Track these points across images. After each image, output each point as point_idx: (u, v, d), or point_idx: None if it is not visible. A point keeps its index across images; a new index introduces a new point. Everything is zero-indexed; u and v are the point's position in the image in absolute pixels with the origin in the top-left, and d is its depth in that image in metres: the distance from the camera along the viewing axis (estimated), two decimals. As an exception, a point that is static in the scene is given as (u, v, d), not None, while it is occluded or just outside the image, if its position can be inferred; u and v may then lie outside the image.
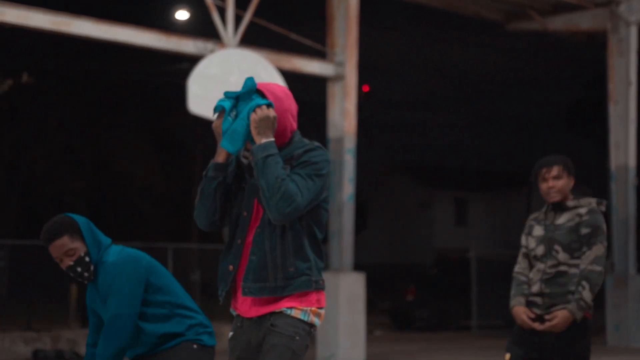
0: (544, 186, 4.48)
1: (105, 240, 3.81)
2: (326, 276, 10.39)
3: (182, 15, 19.91)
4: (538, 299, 4.44)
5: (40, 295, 14.54)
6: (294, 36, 11.15)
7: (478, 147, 50.58)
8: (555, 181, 4.44)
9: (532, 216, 4.64)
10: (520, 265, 4.58)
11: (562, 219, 4.48)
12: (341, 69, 11.22)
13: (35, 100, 21.21)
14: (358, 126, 11.32)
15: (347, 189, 11.18)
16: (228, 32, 10.32)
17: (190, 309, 3.80)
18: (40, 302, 13.78)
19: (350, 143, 11.19)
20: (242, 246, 3.10)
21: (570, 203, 4.48)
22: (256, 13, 10.68)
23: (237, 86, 9.75)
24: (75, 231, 3.74)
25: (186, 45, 10.20)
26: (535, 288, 4.46)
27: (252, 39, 10.69)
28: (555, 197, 4.45)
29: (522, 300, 4.48)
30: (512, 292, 4.55)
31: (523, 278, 4.53)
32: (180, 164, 27.26)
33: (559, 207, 4.50)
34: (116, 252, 3.77)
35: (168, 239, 25.18)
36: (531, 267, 4.54)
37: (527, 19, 14.77)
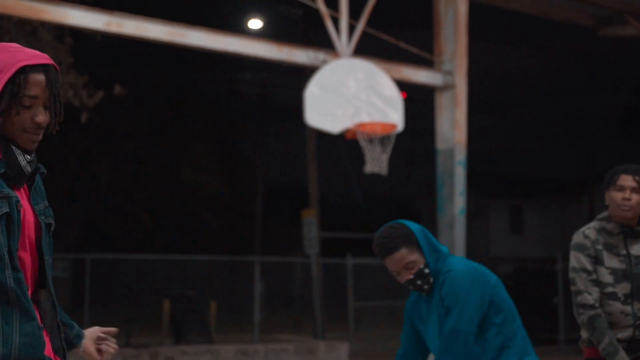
0: (617, 196, 3.72)
1: (443, 249, 3.45)
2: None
3: (255, 24, 19.71)
4: (624, 345, 3.72)
5: (129, 310, 14.35)
6: (402, 45, 10.83)
7: (532, 154, 49.92)
8: (632, 194, 3.70)
9: (590, 236, 3.77)
10: (594, 296, 3.71)
11: (638, 249, 3.75)
12: (450, 77, 10.88)
13: (109, 111, 21.10)
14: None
15: (458, 202, 10.82)
16: (342, 41, 10.02)
17: (527, 346, 3.35)
18: (131, 318, 13.56)
19: (461, 154, 10.83)
20: None
21: None
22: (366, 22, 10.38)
23: (354, 97, 9.38)
24: (412, 242, 3.38)
25: (298, 56, 9.93)
26: (624, 334, 3.72)
27: (360, 49, 10.39)
28: (627, 213, 3.70)
29: (622, 351, 3.66)
30: (598, 333, 3.67)
31: (604, 315, 3.70)
32: (243, 175, 27.09)
33: (632, 233, 3.74)
34: (461, 262, 3.39)
35: (230, 251, 25.02)
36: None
37: (622, 24, 14.33)
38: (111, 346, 2.70)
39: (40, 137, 2.39)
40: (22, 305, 2.29)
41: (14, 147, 2.34)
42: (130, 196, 24.91)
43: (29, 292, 2.36)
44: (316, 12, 10.42)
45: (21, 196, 2.36)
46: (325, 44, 10.33)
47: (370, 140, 9.50)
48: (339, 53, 9.98)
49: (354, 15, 10.25)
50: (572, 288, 3.79)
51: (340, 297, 17.36)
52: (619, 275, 3.72)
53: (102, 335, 2.71)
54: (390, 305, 17.04)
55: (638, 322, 3.71)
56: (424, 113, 11.71)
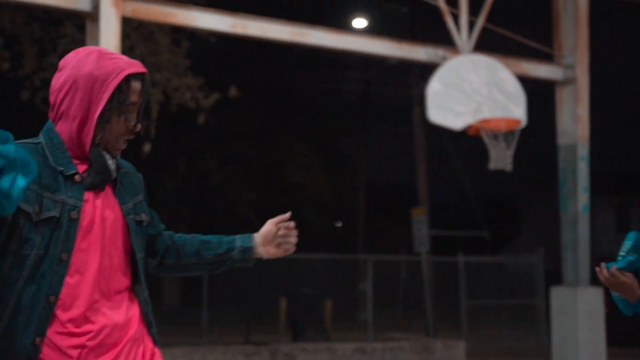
0: None
1: None
2: (562, 291, 9.81)
3: (360, 23, 19.76)
4: None
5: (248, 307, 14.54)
6: (522, 39, 10.67)
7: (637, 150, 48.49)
8: None
9: None
10: None
11: None
12: (570, 72, 10.66)
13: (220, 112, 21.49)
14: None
15: (582, 198, 10.60)
16: (462, 37, 9.94)
17: None
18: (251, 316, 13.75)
19: (583, 150, 10.60)
20: None
21: None
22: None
23: (476, 93, 9.26)
24: None
25: (417, 52, 9.90)
26: None
27: (480, 44, 10.28)
28: None
29: None
30: None
31: None
32: (346, 174, 27.18)
33: None
34: None
35: (334, 250, 25.12)
36: None
37: None
38: (290, 235, 2.64)
39: (126, 145, 2.48)
40: (16, 313, 2.27)
41: (103, 152, 2.41)
42: (238, 196, 25.28)
43: (123, 287, 2.42)
44: (422, 9, 10.37)
45: (99, 198, 2.40)
46: (435, 40, 10.25)
47: (495, 137, 9.39)
48: (459, 49, 9.90)
49: (473, 11, 10.16)
50: None
51: (449, 295, 17.24)
52: None
53: (278, 227, 2.63)
54: (503, 304, 16.81)
55: None
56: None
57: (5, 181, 2.11)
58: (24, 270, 2.28)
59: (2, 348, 2.27)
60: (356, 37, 9.70)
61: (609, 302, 3.56)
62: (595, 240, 37.74)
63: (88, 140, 2.37)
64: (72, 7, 8.18)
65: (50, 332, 2.30)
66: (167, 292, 25.31)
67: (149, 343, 2.50)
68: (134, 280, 2.50)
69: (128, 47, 13.14)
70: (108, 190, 2.45)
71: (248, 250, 2.64)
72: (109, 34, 8.07)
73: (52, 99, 2.41)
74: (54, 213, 2.31)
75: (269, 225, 2.66)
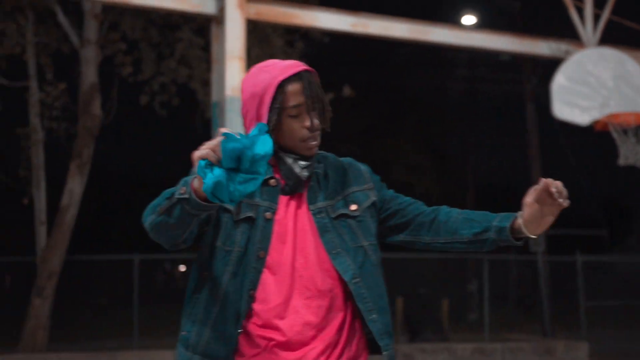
0: None
1: None
2: None
3: (469, 20, 19.50)
4: None
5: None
6: (648, 31, 10.33)
7: None
8: None
9: None
10: None
11: None
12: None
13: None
14: None
15: None
16: (587, 31, 9.69)
17: None
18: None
19: None
20: None
21: None
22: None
23: (602, 87, 8.97)
24: None
25: (539, 47, 9.71)
26: None
27: (605, 37, 9.99)
28: None
29: None
30: None
31: None
32: (454, 173, 26.90)
33: None
34: None
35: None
36: None
37: None
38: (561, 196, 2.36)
39: (318, 139, 2.48)
40: (225, 305, 2.40)
41: (287, 158, 2.46)
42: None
43: (327, 287, 2.41)
44: (534, 4, 10.12)
45: (293, 200, 2.47)
46: (552, 34, 10.01)
47: (624, 132, 9.11)
48: (584, 43, 9.66)
49: (598, 3, 9.89)
50: None
51: (566, 295, 16.82)
52: None
53: (547, 188, 2.37)
54: (625, 305, 16.31)
55: None
56: None
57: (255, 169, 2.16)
58: (229, 265, 2.42)
59: (213, 337, 2.42)
60: (476, 33, 9.58)
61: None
62: None
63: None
64: (198, 11, 8.35)
65: (247, 323, 2.41)
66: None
67: (360, 353, 2.48)
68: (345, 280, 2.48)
69: (245, 50, 13.33)
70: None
71: (503, 230, 2.48)
72: (234, 37, 8.20)
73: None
74: (250, 214, 2.44)
75: (533, 195, 2.43)
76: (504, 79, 21.34)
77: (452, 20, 19.81)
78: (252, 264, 2.41)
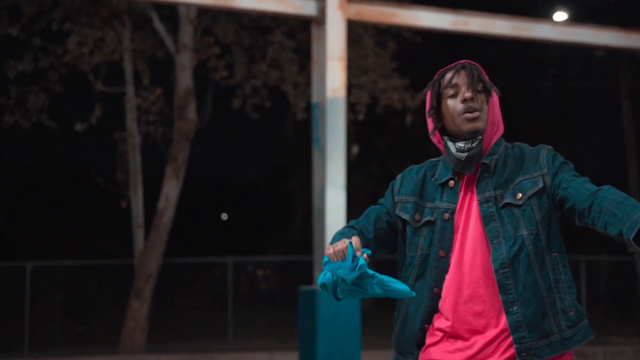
0: None
1: None
2: None
3: (560, 16, 19.08)
4: None
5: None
6: None
7: None
8: None
9: None
10: None
11: None
12: None
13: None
14: None
15: None
16: (697, 23, 9.33)
17: None
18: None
19: None
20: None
21: None
22: None
23: None
24: None
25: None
26: None
27: None
28: None
29: None
30: None
31: None
32: (542, 173, 26.37)
33: None
34: None
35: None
36: None
37: None
38: None
39: (476, 113, 2.60)
40: (411, 304, 2.62)
41: (448, 142, 2.61)
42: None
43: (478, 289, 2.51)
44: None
45: (470, 196, 2.60)
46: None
47: None
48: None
49: None
50: None
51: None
52: None
53: None
54: None
55: None
56: None
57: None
58: (414, 268, 2.63)
59: (400, 333, 2.66)
60: (580, 28, 9.31)
61: None
62: None
63: (435, 139, 2.67)
64: (299, 13, 8.33)
65: (429, 318, 2.62)
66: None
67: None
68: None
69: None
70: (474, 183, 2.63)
71: (628, 239, 2.36)
72: (336, 38, 8.15)
73: None
74: (430, 217, 2.63)
75: None
76: (598, 76, 20.79)
77: (544, 17, 19.40)
78: (433, 263, 2.59)
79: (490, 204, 2.56)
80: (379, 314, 20.51)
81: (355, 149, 13.09)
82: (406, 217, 2.63)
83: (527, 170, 2.62)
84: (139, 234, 12.52)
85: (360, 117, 13.34)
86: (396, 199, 2.67)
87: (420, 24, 8.77)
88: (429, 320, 2.60)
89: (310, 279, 9.30)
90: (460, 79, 2.61)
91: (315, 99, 8.36)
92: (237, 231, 26.96)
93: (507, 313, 2.47)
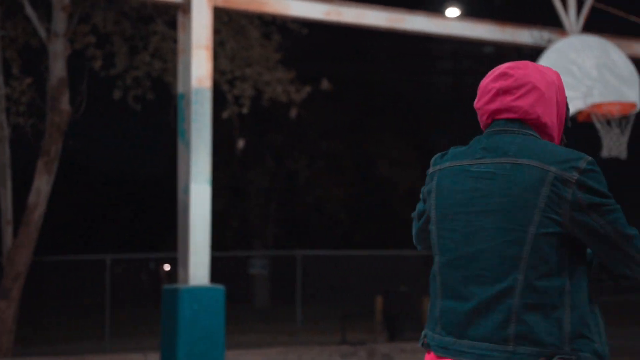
0: None
1: None
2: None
3: (452, 12, 19.14)
4: None
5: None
6: (634, 18, 10.00)
7: None
8: None
9: None
10: None
11: None
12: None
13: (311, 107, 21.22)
14: None
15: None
16: (570, 18, 9.35)
17: None
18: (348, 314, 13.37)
19: (703, 135, 9.87)
20: None
21: None
22: (592, -4, 9.64)
23: (586, 76, 8.62)
24: None
25: (521, 36, 9.37)
26: None
27: (589, 25, 9.65)
28: None
29: None
30: None
31: None
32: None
33: None
34: None
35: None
36: None
37: None
38: None
39: None
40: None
41: None
42: (327, 193, 24.98)
43: None
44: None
45: None
46: (538, 23, 9.67)
47: (608, 122, 8.77)
48: (567, 30, 9.32)
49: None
50: None
51: None
52: None
53: None
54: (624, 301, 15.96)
55: None
56: None
57: None
58: None
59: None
60: (455, 21, 9.23)
61: None
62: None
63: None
64: (164, 0, 7.97)
65: None
66: (258, 290, 25.20)
67: None
68: None
69: (219, 42, 12.94)
70: None
71: None
72: (201, 26, 7.83)
73: (527, 115, 2.49)
74: None
75: None
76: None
77: (436, 11, 19.45)
78: None
79: None
80: (276, 311, 20.33)
81: (241, 143, 12.77)
82: None
83: None
84: (7, 231, 11.90)
85: (245, 110, 13.03)
86: None
87: (291, 13, 8.52)
88: None
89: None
90: None
91: (180, 89, 8.03)
92: (116, 227, 26.29)
93: None
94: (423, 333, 2.45)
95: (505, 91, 2.48)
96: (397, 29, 8.94)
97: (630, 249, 2.30)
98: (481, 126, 2.59)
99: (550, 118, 2.45)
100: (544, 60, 8.86)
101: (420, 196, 2.65)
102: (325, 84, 13.14)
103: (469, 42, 9.73)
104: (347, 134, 24.76)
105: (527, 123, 2.46)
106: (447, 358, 2.35)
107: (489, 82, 2.56)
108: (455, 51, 22.72)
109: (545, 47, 9.20)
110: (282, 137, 23.88)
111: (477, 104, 2.59)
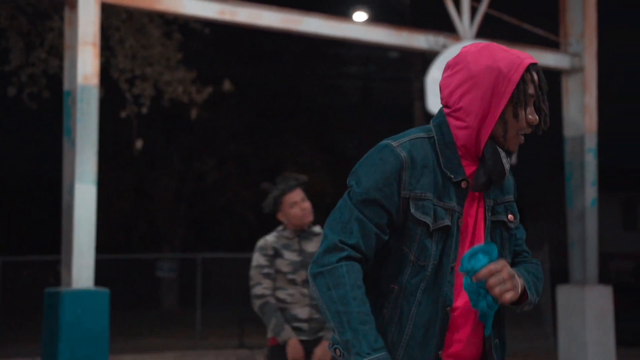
0: None
1: None
2: (569, 290, 9.33)
3: (360, 16, 19.25)
4: (305, 325, 4.50)
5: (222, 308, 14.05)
6: (527, 26, 10.19)
7: None
8: None
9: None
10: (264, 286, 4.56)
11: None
12: (578, 60, 10.19)
13: (215, 109, 21.01)
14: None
15: (590, 192, 10.12)
16: (464, 24, 9.47)
17: None
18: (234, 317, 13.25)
19: (591, 142, 10.13)
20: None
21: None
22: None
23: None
24: None
25: (417, 40, 9.43)
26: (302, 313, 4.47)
27: (482, 31, 9.80)
28: None
29: (290, 330, 4.44)
30: (273, 319, 4.47)
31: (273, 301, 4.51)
32: (348, 173, 26.66)
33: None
34: None
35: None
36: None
37: None
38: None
39: (523, 141, 2.31)
40: (420, 324, 2.20)
41: (500, 150, 2.25)
42: (236, 196, 24.82)
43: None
44: (423, 1, 9.87)
45: (475, 199, 2.30)
46: (437, 28, 9.78)
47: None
48: (461, 36, 9.43)
49: (475, -4, 9.69)
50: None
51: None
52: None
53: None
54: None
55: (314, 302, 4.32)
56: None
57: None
58: (423, 281, 2.21)
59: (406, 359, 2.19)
60: (352, 24, 9.24)
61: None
62: (601, 237, 37.38)
63: (485, 137, 2.24)
64: (49, -7, 7.73)
65: (442, 343, 2.22)
66: (166, 293, 24.84)
67: None
68: None
69: (118, 40, 12.70)
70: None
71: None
72: (88, 21, 7.63)
73: (446, 97, 2.29)
74: (447, 222, 2.24)
75: None
76: (395, 76, 21.24)
77: (344, 16, 19.52)
78: (447, 277, 2.22)
79: (490, 214, 2.32)
80: (182, 315, 20.05)
81: (139, 144, 12.53)
82: (427, 220, 2.21)
83: (509, 190, 2.40)
84: None
85: (144, 109, 12.81)
86: (408, 194, 2.19)
87: (183, 11, 8.38)
88: (443, 346, 2.21)
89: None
90: (537, 90, 2.25)
91: (66, 86, 7.80)
92: (9, 229, 25.57)
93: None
94: None
95: (444, 70, 2.34)
96: (293, 30, 8.89)
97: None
98: None
99: (471, 103, 2.22)
100: (436, 66, 8.95)
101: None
102: (227, 85, 13.02)
103: (370, 47, 9.76)
104: (256, 137, 24.66)
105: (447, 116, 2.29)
106: None
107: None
108: (366, 55, 22.87)
109: (439, 51, 9.29)
110: (190, 138, 23.62)
111: None
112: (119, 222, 23.49)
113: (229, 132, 23.91)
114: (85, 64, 7.58)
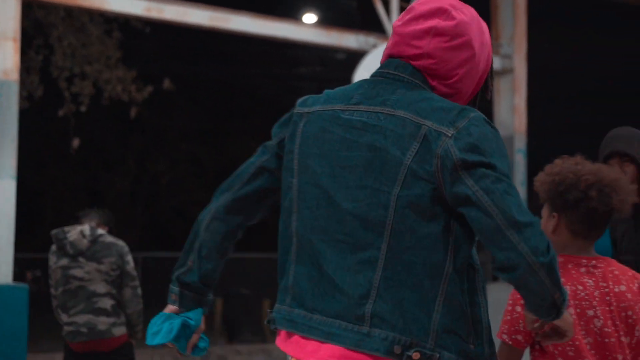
0: None
1: None
2: (499, 287, 9.44)
3: (310, 18, 19.31)
4: None
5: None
6: (458, 28, 10.31)
7: (591, 149, 48.28)
8: None
9: None
10: None
11: None
12: (508, 61, 10.33)
13: (162, 109, 20.97)
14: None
15: (519, 192, 10.25)
16: (392, 23, 9.55)
17: None
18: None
19: (520, 142, 10.26)
20: None
21: None
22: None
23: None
24: None
25: (347, 40, 9.51)
26: None
27: (414, 32, 9.89)
28: None
29: None
30: None
31: None
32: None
33: None
34: None
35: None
36: None
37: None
38: None
39: None
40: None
41: None
42: (190, 197, 24.75)
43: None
44: (370, 3, 9.95)
45: None
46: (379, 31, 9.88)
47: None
48: (389, 36, 9.52)
49: (405, -4, 9.78)
50: None
51: None
52: None
53: None
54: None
55: None
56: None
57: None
58: None
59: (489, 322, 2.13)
60: (282, 23, 9.28)
61: None
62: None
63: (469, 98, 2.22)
64: (-31, -12, 7.69)
65: None
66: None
67: None
68: None
69: (56, 38, 12.64)
70: None
71: None
72: (8, 17, 7.59)
73: (443, 73, 2.08)
74: None
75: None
76: (341, 78, 21.31)
77: (294, 18, 19.59)
78: None
79: None
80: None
81: (76, 142, 12.48)
82: None
83: None
84: None
85: (83, 108, 12.75)
86: None
87: (109, 8, 8.36)
88: None
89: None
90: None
91: (-13, 81, 7.75)
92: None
93: None
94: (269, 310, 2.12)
95: (439, 33, 2.05)
96: (221, 29, 8.91)
97: (515, 237, 1.84)
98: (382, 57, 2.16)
99: (468, 85, 2.09)
100: (364, 65, 9.02)
101: (274, 136, 2.24)
102: (167, 84, 13.01)
103: (300, 46, 9.81)
104: (210, 137, 24.62)
105: (424, 72, 2.05)
106: (295, 333, 2.00)
107: (421, 12, 2.09)
108: (319, 56, 22.92)
109: (369, 51, 9.36)
110: (144, 139, 23.53)
111: (398, 26, 2.11)
112: (70, 223, 23.28)
113: (181, 133, 23.85)
114: (5, 59, 7.55)
